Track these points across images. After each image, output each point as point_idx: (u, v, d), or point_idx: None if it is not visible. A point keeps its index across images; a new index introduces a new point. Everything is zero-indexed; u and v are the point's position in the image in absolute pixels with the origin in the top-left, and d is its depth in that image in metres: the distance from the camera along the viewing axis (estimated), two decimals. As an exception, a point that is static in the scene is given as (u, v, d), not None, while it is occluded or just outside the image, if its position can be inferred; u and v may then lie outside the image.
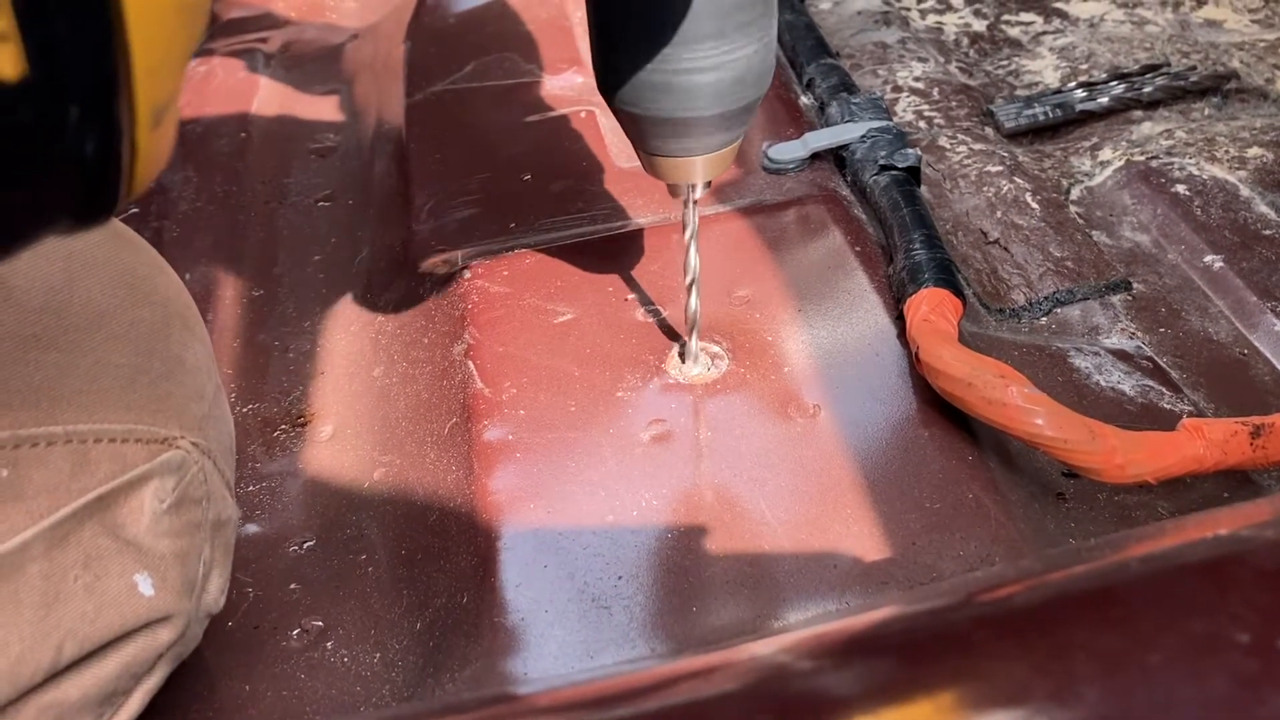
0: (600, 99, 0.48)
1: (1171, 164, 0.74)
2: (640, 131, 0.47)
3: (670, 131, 0.46)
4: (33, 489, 0.38)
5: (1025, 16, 0.96)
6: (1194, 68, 0.85)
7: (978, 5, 0.98)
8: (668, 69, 0.43)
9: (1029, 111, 0.81)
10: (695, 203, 0.51)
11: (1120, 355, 0.62)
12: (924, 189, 0.72)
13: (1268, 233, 0.68)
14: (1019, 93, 0.86)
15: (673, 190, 0.51)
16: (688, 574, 0.48)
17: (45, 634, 0.38)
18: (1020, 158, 0.78)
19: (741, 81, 0.45)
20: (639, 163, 0.50)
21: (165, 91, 0.25)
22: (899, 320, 0.59)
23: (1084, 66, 0.87)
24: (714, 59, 0.43)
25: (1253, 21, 0.92)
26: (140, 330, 0.44)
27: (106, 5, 0.23)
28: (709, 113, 0.45)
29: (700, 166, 0.48)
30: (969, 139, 0.79)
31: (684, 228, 0.53)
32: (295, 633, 0.51)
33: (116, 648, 0.40)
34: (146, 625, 0.41)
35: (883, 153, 0.69)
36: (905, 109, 0.83)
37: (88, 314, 0.42)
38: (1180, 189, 0.72)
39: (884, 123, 0.72)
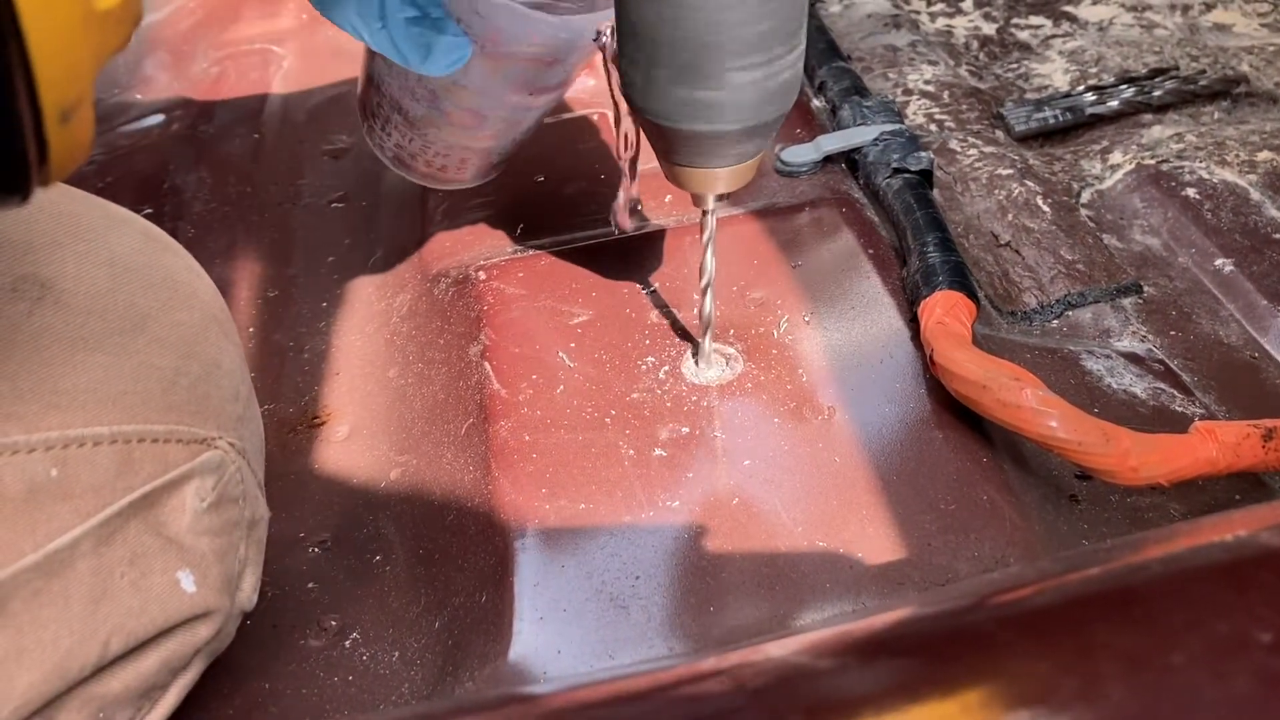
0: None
1: (1182, 167, 0.75)
2: (665, 143, 0.47)
3: (696, 145, 0.46)
4: (80, 488, 0.38)
5: (1034, 20, 0.96)
6: (1203, 71, 0.85)
7: (987, 9, 0.99)
8: (697, 85, 0.43)
9: (1039, 115, 0.82)
10: (714, 210, 0.52)
11: (1132, 358, 0.62)
12: (935, 192, 0.73)
13: (1278, 236, 0.68)
14: (1029, 96, 0.87)
15: (695, 199, 0.51)
16: (705, 574, 0.49)
17: (94, 629, 0.38)
18: (1031, 161, 0.78)
19: (770, 98, 0.45)
20: (654, 165, 0.50)
21: (72, 94, 0.28)
22: (913, 323, 0.59)
23: (1093, 70, 0.88)
24: (744, 76, 0.43)
25: (1262, 25, 0.92)
26: (180, 333, 0.44)
27: (4, 25, 0.25)
28: (735, 128, 0.45)
29: (723, 178, 0.48)
30: (979, 142, 0.79)
31: (702, 232, 0.53)
32: (314, 631, 0.52)
33: (157, 643, 0.41)
34: (187, 621, 0.42)
35: (895, 156, 0.70)
36: (916, 112, 0.83)
37: (131, 317, 0.43)
38: (1190, 192, 0.72)
39: (896, 126, 0.73)
